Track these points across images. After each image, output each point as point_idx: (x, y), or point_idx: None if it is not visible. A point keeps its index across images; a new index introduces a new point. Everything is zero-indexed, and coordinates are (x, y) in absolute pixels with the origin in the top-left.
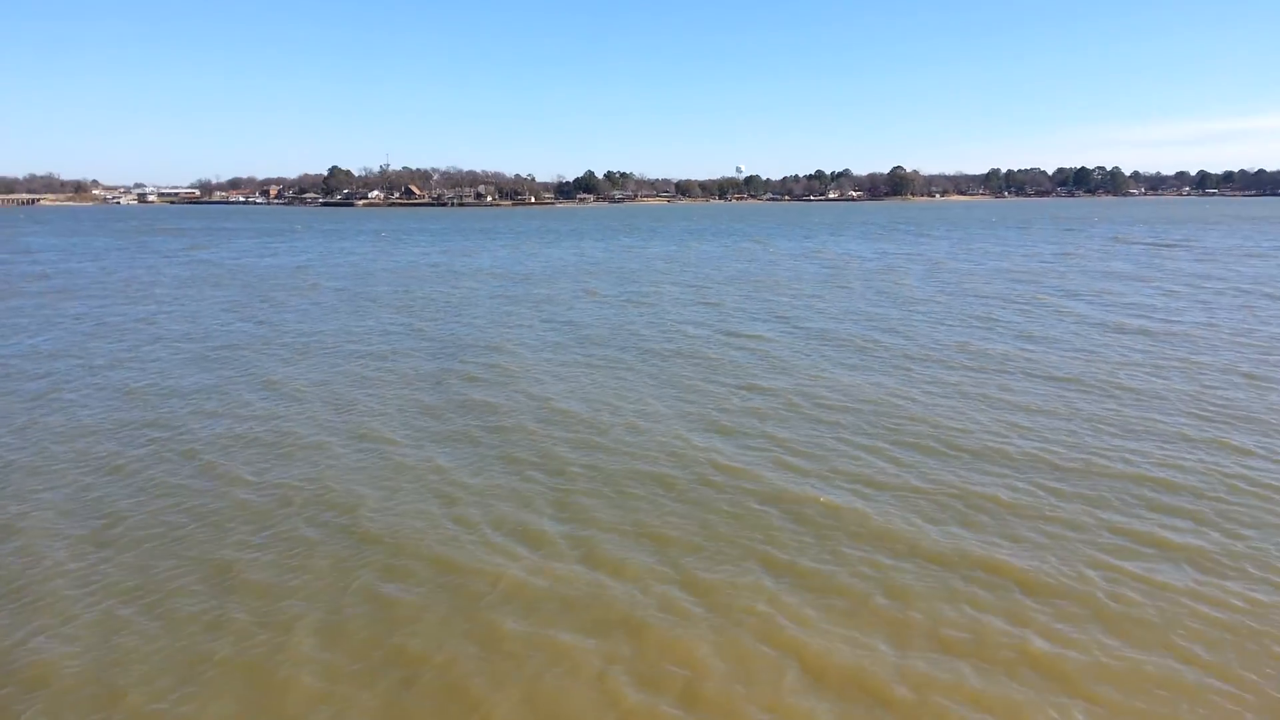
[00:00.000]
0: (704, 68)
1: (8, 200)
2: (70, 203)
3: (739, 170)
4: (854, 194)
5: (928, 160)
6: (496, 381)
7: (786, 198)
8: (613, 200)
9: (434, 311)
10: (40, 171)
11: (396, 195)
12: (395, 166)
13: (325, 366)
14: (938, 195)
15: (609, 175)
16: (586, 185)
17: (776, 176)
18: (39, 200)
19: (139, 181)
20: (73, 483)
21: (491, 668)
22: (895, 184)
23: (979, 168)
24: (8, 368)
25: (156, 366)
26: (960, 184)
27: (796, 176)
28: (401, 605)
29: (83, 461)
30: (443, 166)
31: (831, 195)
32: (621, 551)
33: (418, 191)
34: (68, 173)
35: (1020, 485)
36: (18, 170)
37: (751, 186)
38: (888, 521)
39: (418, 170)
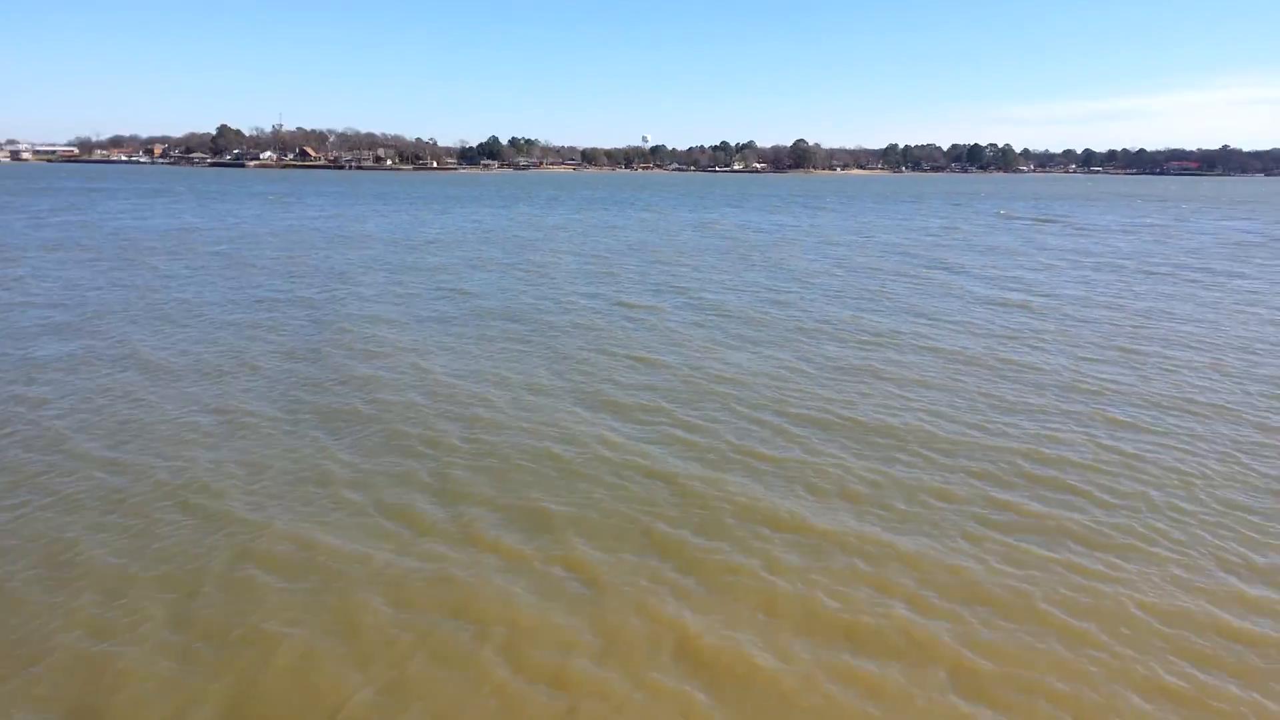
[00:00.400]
0: (612, 33)
1: None
2: None
3: (645, 140)
4: (758, 166)
5: (830, 134)
6: (380, 353)
7: (692, 168)
8: (517, 167)
9: (318, 279)
10: None
11: (290, 157)
12: (289, 127)
13: (197, 335)
14: (839, 169)
15: (514, 141)
16: (490, 151)
17: (683, 147)
18: None
19: (11, 138)
20: None
21: (355, 650)
22: (798, 157)
23: (879, 143)
24: None
25: (10, 332)
26: (860, 158)
27: (703, 147)
28: (260, 588)
29: None
30: (340, 128)
31: (736, 167)
32: (499, 530)
33: (313, 153)
34: None
35: (902, 458)
36: None
37: (658, 156)
38: (772, 496)
39: (313, 131)
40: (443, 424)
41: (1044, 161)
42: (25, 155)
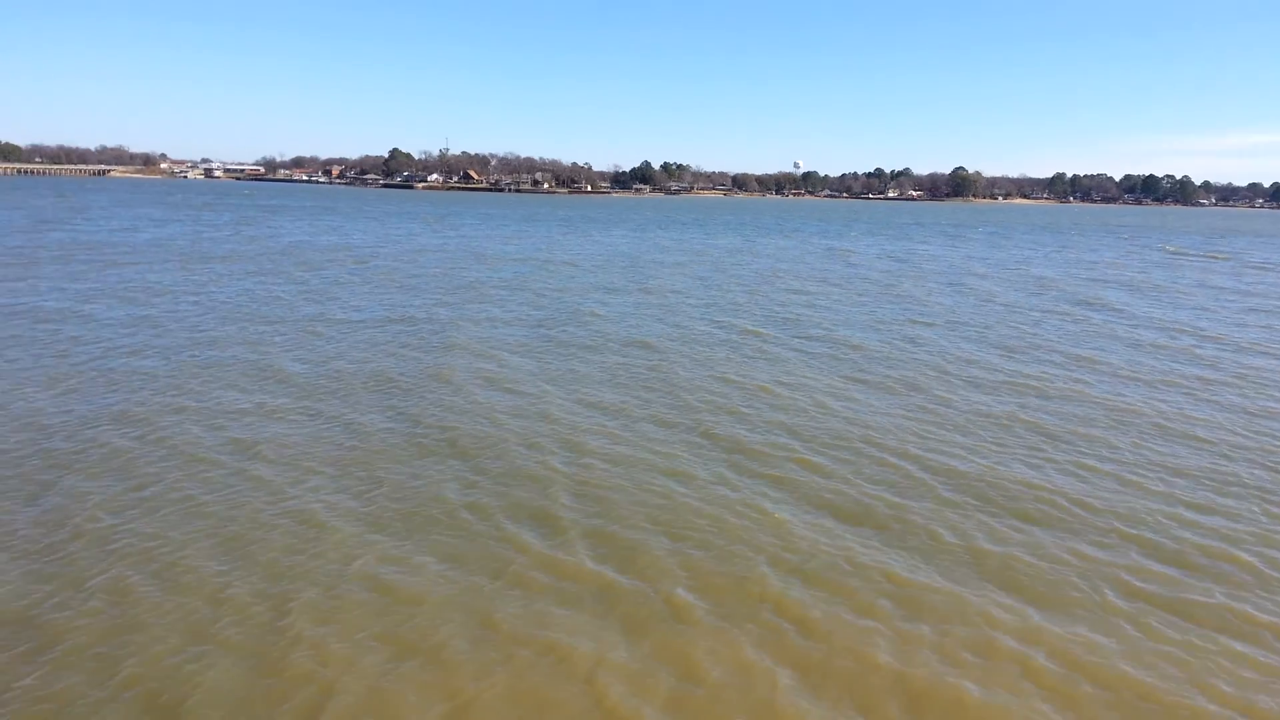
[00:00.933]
0: (765, 62)
1: (81, 170)
2: (138, 175)
3: (796, 166)
4: (914, 193)
5: (991, 162)
6: (501, 377)
7: (844, 195)
8: (668, 192)
9: (455, 296)
10: (111, 144)
11: (455, 179)
12: (454, 151)
13: (333, 350)
14: (1000, 198)
15: (665, 166)
16: (643, 176)
17: (836, 173)
18: (109, 171)
19: (206, 157)
20: (105, 445)
21: (481, 656)
22: (956, 185)
23: (1044, 171)
24: (66, 320)
25: (162, 346)
26: (1024, 187)
27: (856, 174)
28: (400, 590)
29: (121, 420)
30: (501, 152)
31: (891, 194)
32: (600, 564)
33: (476, 176)
34: (137, 146)
35: (1046, 522)
36: (90, 142)
37: (809, 183)
38: (893, 553)
39: (476, 155)
40: (557, 453)
41: (1226, 195)
42: (218, 173)
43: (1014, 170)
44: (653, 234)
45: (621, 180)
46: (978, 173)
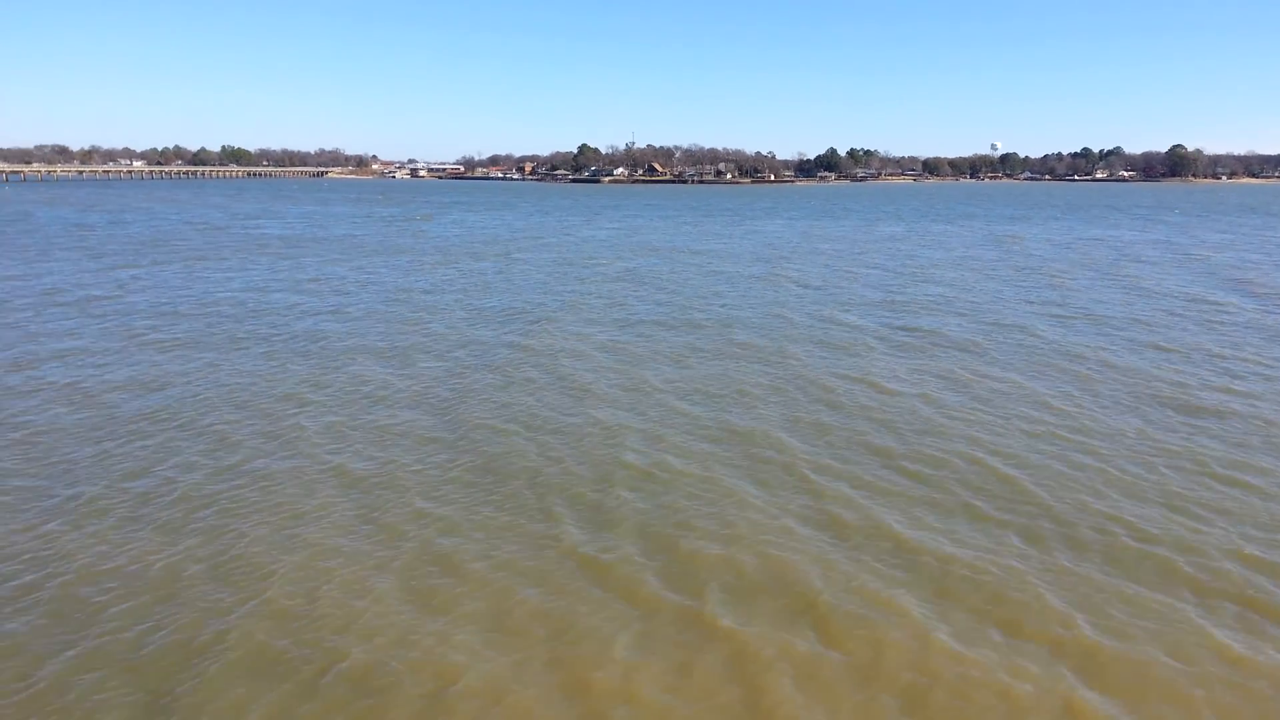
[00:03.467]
0: (959, 32)
1: (301, 172)
2: (353, 175)
3: (994, 148)
4: (1125, 174)
5: (1216, 139)
6: (627, 384)
7: (1046, 177)
8: (854, 178)
9: (596, 288)
10: (329, 146)
11: (640, 172)
12: (640, 144)
13: (475, 350)
14: (1223, 177)
15: (851, 153)
16: (828, 163)
17: (1037, 154)
18: (327, 173)
19: (412, 157)
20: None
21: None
22: (1173, 164)
23: (1276, 147)
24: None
25: (311, 333)
26: (1251, 165)
27: (1059, 154)
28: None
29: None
30: (685, 144)
31: (1099, 175)
32: (725, 611)
33: (660, 169)
34: (351, 148)
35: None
36: (310, 145)
37: (1007, 165)
38: (1038, 594)
39: (661, 148)
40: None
41: None
42: (422, 173)
43: (1241, 147)
44: (809, 223)
45: (806, 168)
46: (1198, 150)
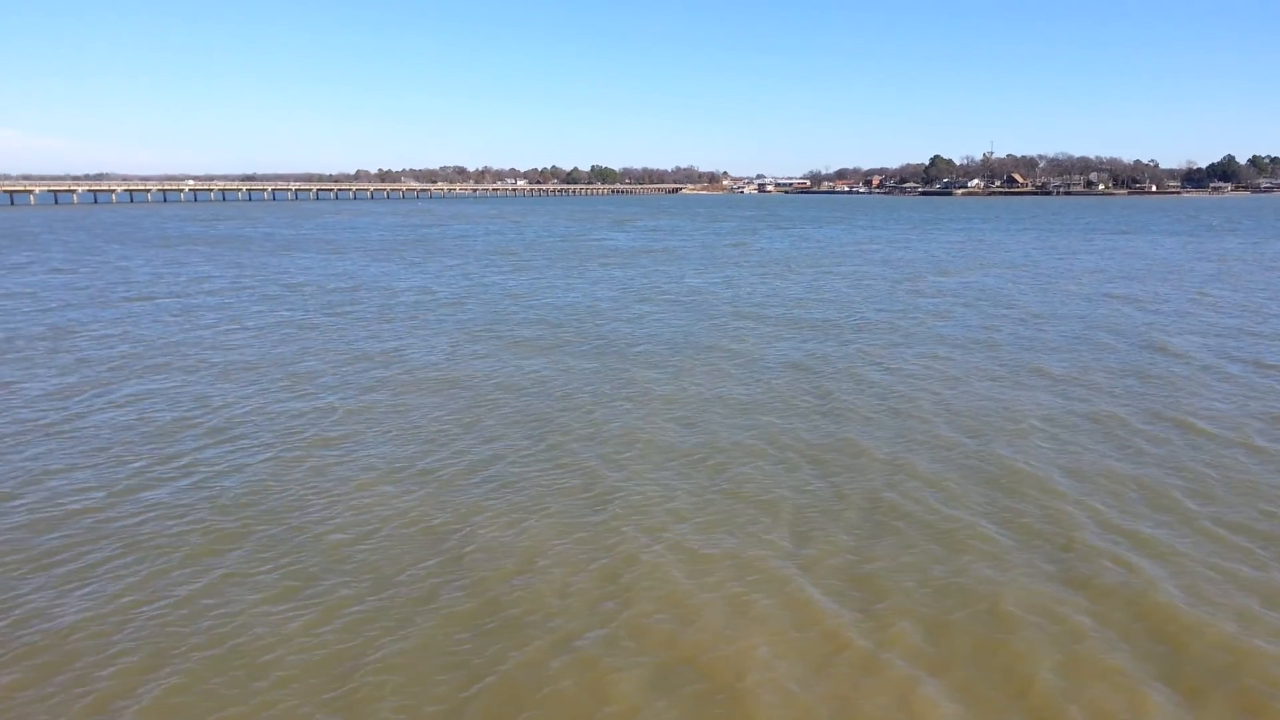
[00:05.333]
0: None
1: (658, 189)
2: (704, 191)
3: None
4: None
5: None
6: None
7: None
8: (1257, 189)
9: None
10: (684, 164)
11: (997, 184)
12: (999, 154)
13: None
14: None
15: (1255, 160)
16: (1223, 171)
17: None
18: (681, 189)
19: (760, 173)
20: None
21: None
22: None
23: None
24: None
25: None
26: None
27: None
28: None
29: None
30: (1051, 153)
31: None
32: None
33: (1021, 180)
34: (704, 165)
35: None
36: (667, 163)
37: None
38: None
39: (1022, 158)
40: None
41: None
42: (769, 188)
43: None
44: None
45: (1195, 178)
46: None
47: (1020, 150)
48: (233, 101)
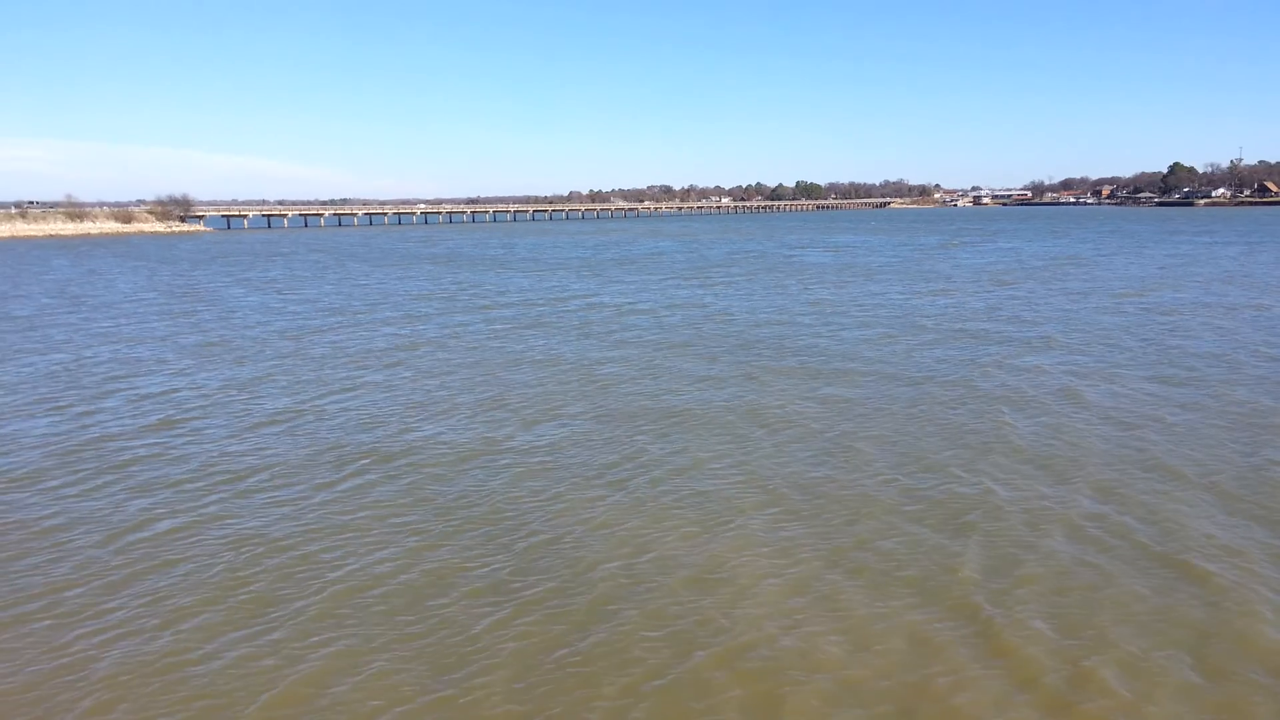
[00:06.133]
0: None
1: (865, 204)
2: (914, 205)
3: None
4: None
5: None
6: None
7: None
8: None
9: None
10: (892, 178)
11: (1246, 193)
12: (1249, 161)
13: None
14: None
15: None
16: None
17: None
18: (889, 203)
19: (975, 185)
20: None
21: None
22: None
23: None
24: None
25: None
26: None
27: None
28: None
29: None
30: None
31: None
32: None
33: (1274, 189)
34: (914, 178)
35: None
36: (874, 177)
37: None
38: None
39: (1277, 164)
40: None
41: None
42: (985, 200)
43: None
44: None
45: None
46: None
47: (1275, 156)
48: (459, 131)
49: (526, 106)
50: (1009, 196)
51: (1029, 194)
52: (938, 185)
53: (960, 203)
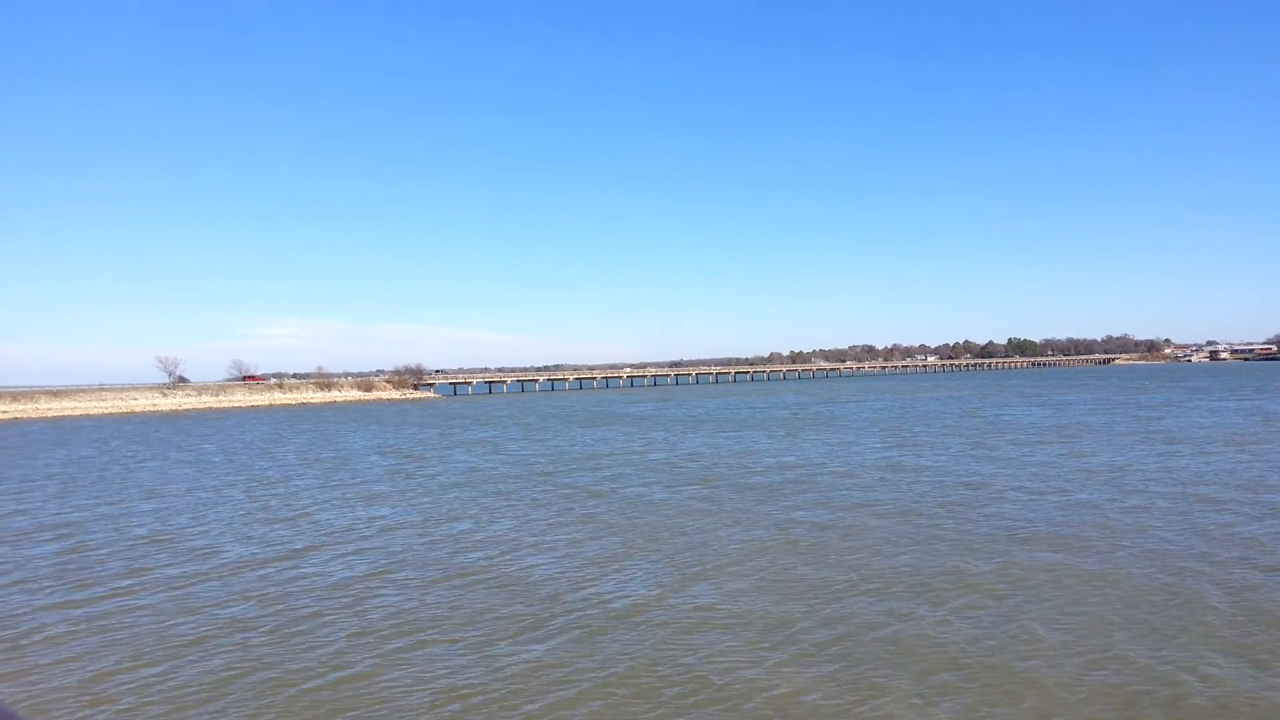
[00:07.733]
0: None
1: (1086, 360)
2: (1141, 361)
3: None
4: None
5: None
6: None
7: None
8: None
9: None
10: (1115, 333)
11: None
12: None
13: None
14: None
15: None
16: None
17: None
18: (1113, 360)
19: (1211, 339)
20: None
21: None
22: None
23: None
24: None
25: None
26: None
27: None
28: None
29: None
30: None
31: None
32: None
33: None
34: (1141, 333)
35: None
36: (1095, 332)
37: None
38: None
39: None
40: None
41: None
42: (1224, 355)
43: None
44: None
45: None
46: None
47: None
48: (661, 302)
49: (736, 270)
50: (1250, 351)
51: (1273, 348)
52: (1168, 340)
53: (1195, 358)
